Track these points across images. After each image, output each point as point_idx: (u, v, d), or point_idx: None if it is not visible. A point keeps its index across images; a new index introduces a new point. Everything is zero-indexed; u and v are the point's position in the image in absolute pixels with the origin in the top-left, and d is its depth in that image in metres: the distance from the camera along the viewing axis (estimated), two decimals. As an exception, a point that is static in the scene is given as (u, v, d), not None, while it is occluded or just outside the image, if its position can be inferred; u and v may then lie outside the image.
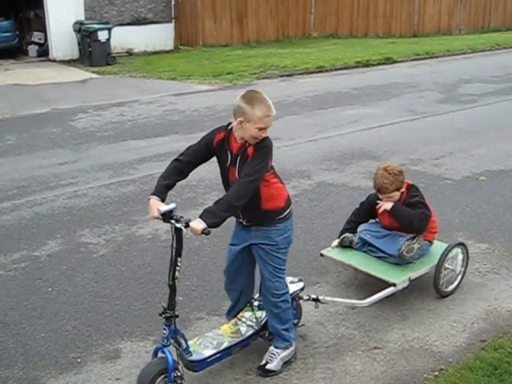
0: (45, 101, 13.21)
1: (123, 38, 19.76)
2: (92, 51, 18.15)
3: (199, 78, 15.56)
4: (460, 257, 4.93)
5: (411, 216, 4.64)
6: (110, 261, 5.58)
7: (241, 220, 3.88)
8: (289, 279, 4.16)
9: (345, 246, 4.97)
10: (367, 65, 17.29)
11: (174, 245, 3.48)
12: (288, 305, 3.94)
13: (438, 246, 4.91)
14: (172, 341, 3.60)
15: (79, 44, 18.95)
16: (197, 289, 5.01)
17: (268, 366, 3.94)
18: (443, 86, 13.91)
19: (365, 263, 4.79)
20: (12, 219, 6.67)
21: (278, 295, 3.87)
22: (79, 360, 4.15)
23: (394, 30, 23.65)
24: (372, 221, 5.06)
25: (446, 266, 4.79)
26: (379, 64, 17.48)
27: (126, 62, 18.62)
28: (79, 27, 18.41)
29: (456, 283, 4.91)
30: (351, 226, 5.05)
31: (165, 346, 3.55)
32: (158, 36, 21.02)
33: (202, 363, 3.75)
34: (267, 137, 3.63)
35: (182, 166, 3.77)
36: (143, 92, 13.85)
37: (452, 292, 4.86)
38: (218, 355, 3.81)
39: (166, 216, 3.45)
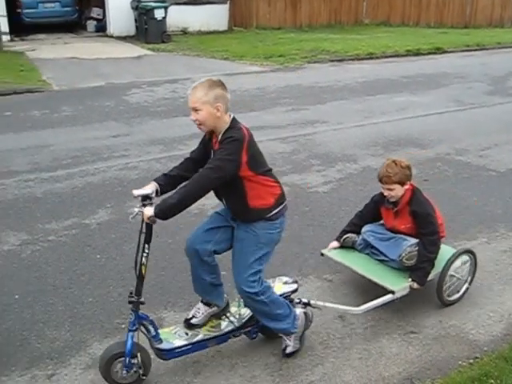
0: (100, 75, 13.35)
1: (179, 16, 19.79)
2: (148, 28, 18.24)
3: (251, 60, 15.50)
4: (467, 264, 4.55)
5: (426, 256, 4.25)
6: (156, 232, 5.50)
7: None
8: (283, 279, 4.04)
9: (347, 246, 4.66)
10: (417, 54, 16.93)
11: (143, 230, 3.35)
12: (270, 302, 3.61)
13: (445, 252, 4.49)
14: (139, 326, 3.49)
15: (136, 21, 19.06)
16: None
17: (287, 350, 3.86)
18: (492, 78, 13.54)
19: (365, 266, 4.47)
20: (65, 187, 6.78)
21: (250, 296, 3.55)
22: (123, 326, 4.17)
23: (445, 20, 23.05)
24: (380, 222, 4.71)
25: (453, 273, 4.43)
26: (429, 53, 17.10)
27: (181, 41, 18.67)
28: (136, 5, 18.49)
29: (461, 292, 4.55)
30: (351, 228, 4.71)
31: (130, 331, 3.45)
32: (213, 16, 20.98)
33: (171, 353, 3.62)
34: (235, 127, 3.39)
35: (190, 163, 3.64)
36: (196, 70, 13.85)
37: (456, 301, 4.51)
38: (188, 347, 3.66)
39: (141, 200, 3.38)
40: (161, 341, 3.60)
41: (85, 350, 3.94)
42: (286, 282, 4.01)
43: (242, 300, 3.77)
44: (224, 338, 3.79)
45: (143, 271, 3.43)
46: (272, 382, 3.67)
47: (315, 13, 22.66)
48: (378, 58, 16.32)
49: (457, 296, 4.53)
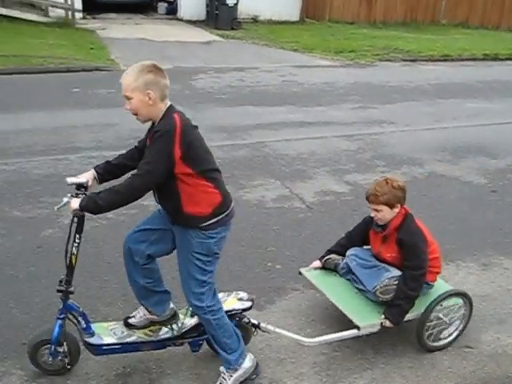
0: (168, 57, 13.54)
1: (250, 4, 19.90)
2: (219, 14, 18.42)
3: (321, 53, 15.46)
4: (460, 309, 4.06)
5: (404, 292, 3.80)
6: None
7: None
8: (239, 295, 3.78)
9: (329, 268, 4.27)
10: (495, 58, 16.54)
11: (74, 220, 3.24)
12: (217, 325, 3.39)
13: (438, 288, 4.06)
14: (66, 316, 3.43)
15: (207, 6, 19.27)
16: (296, 260, 5.03)
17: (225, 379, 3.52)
18: None
19: (339, 294, 4.05)
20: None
21: (201, 309, 3.36)
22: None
23: (529, 25, 22.41)
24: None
25: (440, 316, 3.97)
26: (508, 59, 16.67)
27: (251, 29, 18.76)
28: (209, -11, 18.73)
29: (450, 339, 4.07)
30: (338, 249, 4.30)
31: (58, 319, 3.41)
32: (285, 6, 21.00)
33: (99, 348, 3.52)
34: (167, 116, 3.14)
35: (135, 152, 3.44)
36: (264, 60, 13.92)
37: (442, 347, 4.04)
38: (117, 346, 3.54)
39: (76, 188, 3.28)
40: (91, 334, 3.52)
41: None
42: (240, 299, 3.76)
43: (190, 310, 3.62)
44: (160, 344, 3.65)
45: (73, 261, 3.35)
46: (319, 381, 3.68)
47: (390, 9, 22.39)
48: (453, 60, 16.02)
49: (442, 343, 4.04)
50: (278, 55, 14.86)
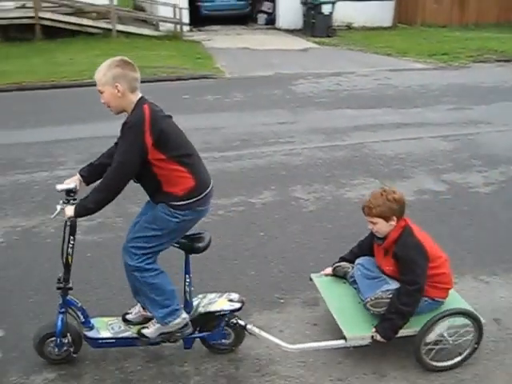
0: (269, 65, 13.64)
1: (344, 12, 19.71)
2: (315, 23, 18.36)
3: (415, 56, 15.06)
4: (467, 332, 3.57)
5: (396, 307, 3.47)
6: (317, 217, 5.69)
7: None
8: (231, 296, 3.69)
9: (339, 275, 4.04)
10: None
11: (68, 223, 3.30)
12: (144, 282, 3.38)
13: (449, 303, 3.68)
14: (66, 310, 3.49)
15: (304, 15, 19.26)
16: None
17: (144, 331, 3.55)
18: None
19: (339, 302, 3.81)
20: (234, 167, 7.06)
21: (130, 267, 3.38)
22: (282, 301, 4.28)
23: None
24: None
25: (444, 334, 3.54)
26: None
27: (345, 36, 18.58)
28: (306, 0, 18.68)
29: (454, 361, 3.60)
30: (350, 257, 4.04)
31: (59, 313, 3.48)
32: (378, 12, 20.64)
33: (95, 342, 3.58)
34: (137, 108, 3.18)
35: (114, 149, 3.39)
36: (359, 65, 13.74)
37: (448, 368, 3.60)
38: (112, 340, 3.58)
39: (65, 194, 3.33)
40: (90, 328, 3.58)
41: (246, 318, 4.00)
42: (231, 300, 3.66)
43: (187, 310, 3.59)
44: (154, 341, 3.62)
45: (69, 260, 3.41)
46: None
47: (483, 11, 21.45)
48: (549, 59, 15.16)
49: (447, 364, 3.60)
50: (372, 60, 14.62)
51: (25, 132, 8.79)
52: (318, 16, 18.31)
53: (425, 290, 3.51)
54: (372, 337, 3.50)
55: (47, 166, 7.21)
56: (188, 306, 3.60)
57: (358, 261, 3.89)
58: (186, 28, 18.68)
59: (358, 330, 3.56)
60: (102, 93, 3.22)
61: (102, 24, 17.41)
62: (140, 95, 3.24)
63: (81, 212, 3.23)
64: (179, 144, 3.27)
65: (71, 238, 3.38)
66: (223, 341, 3.68)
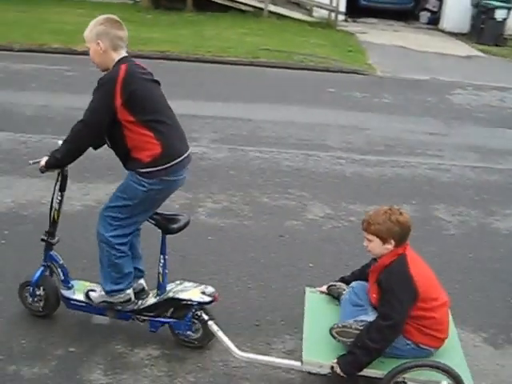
0: (426, 68, 13.27)
1: (522, 20, 18.72)
2: (484, 28, 17.58)
3: None
4: None
5: (362, 341, 3.24)
6: (458, 242, 5.47)
7: None
8: (206, 288, 3.70)
9: (333, 295, 3.88)
10: None
11: (59, 179, 3.67)
12: (113, 256, 3.56)
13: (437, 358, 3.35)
14: (48, 264, 3.83)
15: (472, 19, 18.52)
16: None
17: (90, 293, 3.78)
18: None
19: (316, 323, 3.63)
20: (374, 173, 6.96)
21: (101, 236, 3.55)
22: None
23: None
24: None
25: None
26: None
27: (518, 47, 17.68)
28: (477, 2, 17.93)
29: None
30: (349, 278, 3.85)
31: (41, 265, 3.84)
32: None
33: (68, 302, 3.85)
34: (115, 66, 3.38)
35: None
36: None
37: None
38: (83, 304, 3.80)
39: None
40: (68, 288, 3.84)
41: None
42: (203, 292, 3.68)
43: (159, 292, 3.74)
44: (123, 315, 3.78)
45: (55, 216, 3.72)
46: None
47: None
48: None
49: None
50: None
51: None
52: (489, 21, 17.53)
53: (408, 331, 3.29)
54: (332, 367, 3.30)
55: (181, 140, 7.49)
56: (160, 287, 3.73)
57: (352, 284, 3.72)
58: (340, 17, 18.59)
59: (319, 356, 3.39)
60: (88, 49, 3.49)
61: (255, 2, 17.76)
62: (123, 54, 3.46)
63: (50, 161, 3.50)
64: (151, 109, 3.40)
65: (59, 193, 3.71)
66: (189, 333, 3.73)
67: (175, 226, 3.59)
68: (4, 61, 10.97)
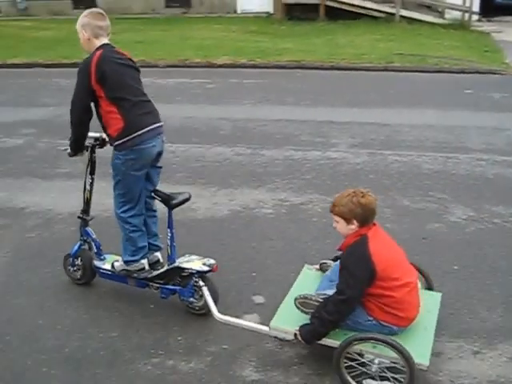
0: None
1: None
2: None
3: None
4: (399, 370, 3.31)
5: (318, 312, 3.47)
6: None
7: None
8: (207, 260, 4.04)
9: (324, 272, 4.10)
10: None
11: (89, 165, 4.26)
12: (127, 230, 4.08)
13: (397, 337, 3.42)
14: (85, 239, 4.42)
15: None
16: None
17: (115, 263, 4.30)
18: None
19: (296, 294, 3.77)
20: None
21: (116, 214, 4.11)
22: None
23: None
24: None
25: (369, 357, 3.39)
26: None
27: None
28: None
29: None
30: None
31: (80, 240, 4.45)
32: None
33: (98, 271, 4.40)
34: (92, 53, 3.84)
35: None
36: None
37: None
38: (109, 273, 4.32)
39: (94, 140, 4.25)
40: (100, 259, 4.42)
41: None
42: (204, 263, 4.02)
43: (168, 263, 4.13)
44: (140, 282, 4.24)
45: (88, 196, 4.32)
46: None
47: None
48: None
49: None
50: None
51: (300, 109, 9.42)
52: None
53: (371, 309, 3.46)
54: (295, 335, 3.55)
55: (320, 146, 7.68)
56: (169, 259, 4.13)
57: (337, 261, 3.82)
58: (474, 17, 18.02)
59: (285, 324, 3.66)
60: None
61: (386, 8, 17.65)
62: (104, 41, 3.92)
63: (70, 146, 4.07)
64: (118, 87, 3.80)
65: (90, 176, 4.28)
66: (191, 299, 4.09)
67: (173, 202, 3.99)
68: (150, 76, 11.65)
